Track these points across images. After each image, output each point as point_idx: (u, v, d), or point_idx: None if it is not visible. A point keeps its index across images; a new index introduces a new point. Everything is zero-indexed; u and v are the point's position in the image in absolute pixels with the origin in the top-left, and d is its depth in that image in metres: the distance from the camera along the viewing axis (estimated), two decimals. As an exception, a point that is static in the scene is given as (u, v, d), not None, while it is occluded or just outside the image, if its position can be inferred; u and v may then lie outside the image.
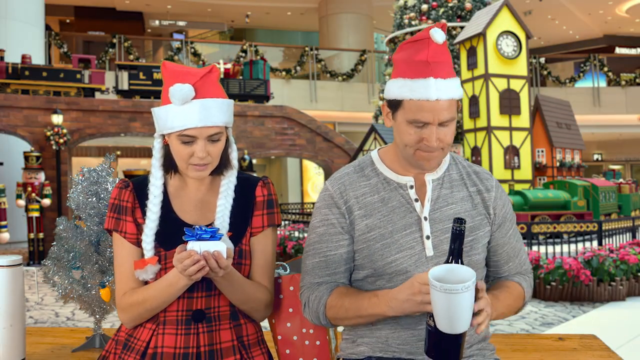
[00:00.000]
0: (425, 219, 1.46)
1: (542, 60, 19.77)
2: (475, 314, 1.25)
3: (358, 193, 1.51)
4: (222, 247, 1.33)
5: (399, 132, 1.45)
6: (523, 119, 9.18)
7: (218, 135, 1.46)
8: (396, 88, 1.41)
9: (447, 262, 1.28)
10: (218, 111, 1.45)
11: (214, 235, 1.33)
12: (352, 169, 1.56)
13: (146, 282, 1.49)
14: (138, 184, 1.55)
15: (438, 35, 1.37)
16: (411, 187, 1.49)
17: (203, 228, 1.33)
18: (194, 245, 1.32)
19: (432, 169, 1.49)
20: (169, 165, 1.52)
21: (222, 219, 1.49)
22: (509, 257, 1.57)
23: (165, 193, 1.53)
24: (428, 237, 1.45)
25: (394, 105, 1.43)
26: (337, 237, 1.50)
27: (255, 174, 1.73)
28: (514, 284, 1.55)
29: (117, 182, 1.68)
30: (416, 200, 1.48)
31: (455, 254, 1.28)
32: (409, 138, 1.42)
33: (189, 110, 1.42)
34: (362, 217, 1.49)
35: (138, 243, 1.51)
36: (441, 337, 1.24)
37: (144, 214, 1.51)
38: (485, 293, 1.29)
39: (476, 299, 1.25)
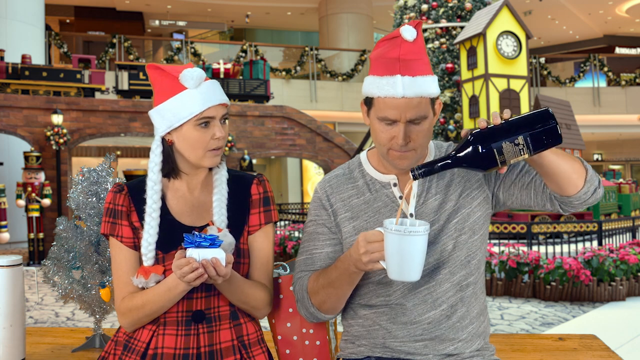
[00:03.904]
0: (412, 215, 1.45)
1: (542, 60, 19.74)
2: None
3: (344, 196, 1.52)
4: (222, 255, 1.32)
5: (372, 130, 1.45)
6: (523, 119, 9.17)
7: (227, 114, 1.50)
8: (368, 85, 1.42)
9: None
10: (221, 91, 1.49)
11: (214, 243, 1.32)
12: (341, 171, 1.57)
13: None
14: (133, 187, 1.54)
15: (408, 33, 1.36)
16: (394, 185, 1.49)
17: (202, 236, 1.32)
18: (192, 253, 1.31)
19: (407, 168, 1.46)
20: (170, 170, 1.51)
21: (219, 214, 1.49)
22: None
23: (161, 195, 1.52)
24: None
25: (368, 102, 1.44)
26: (325, 236, 1.52)
27: (255, 174, 1.74)
28: None
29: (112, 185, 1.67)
30: (400, 197, 1.48)
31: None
32: (381, 136, 1.42)
33: (205, 90, 1.45)
34: (349, 220, 1.50)
35: (135, 247, 1.51)
36: None
37: (140, 217, 1.50)
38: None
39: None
